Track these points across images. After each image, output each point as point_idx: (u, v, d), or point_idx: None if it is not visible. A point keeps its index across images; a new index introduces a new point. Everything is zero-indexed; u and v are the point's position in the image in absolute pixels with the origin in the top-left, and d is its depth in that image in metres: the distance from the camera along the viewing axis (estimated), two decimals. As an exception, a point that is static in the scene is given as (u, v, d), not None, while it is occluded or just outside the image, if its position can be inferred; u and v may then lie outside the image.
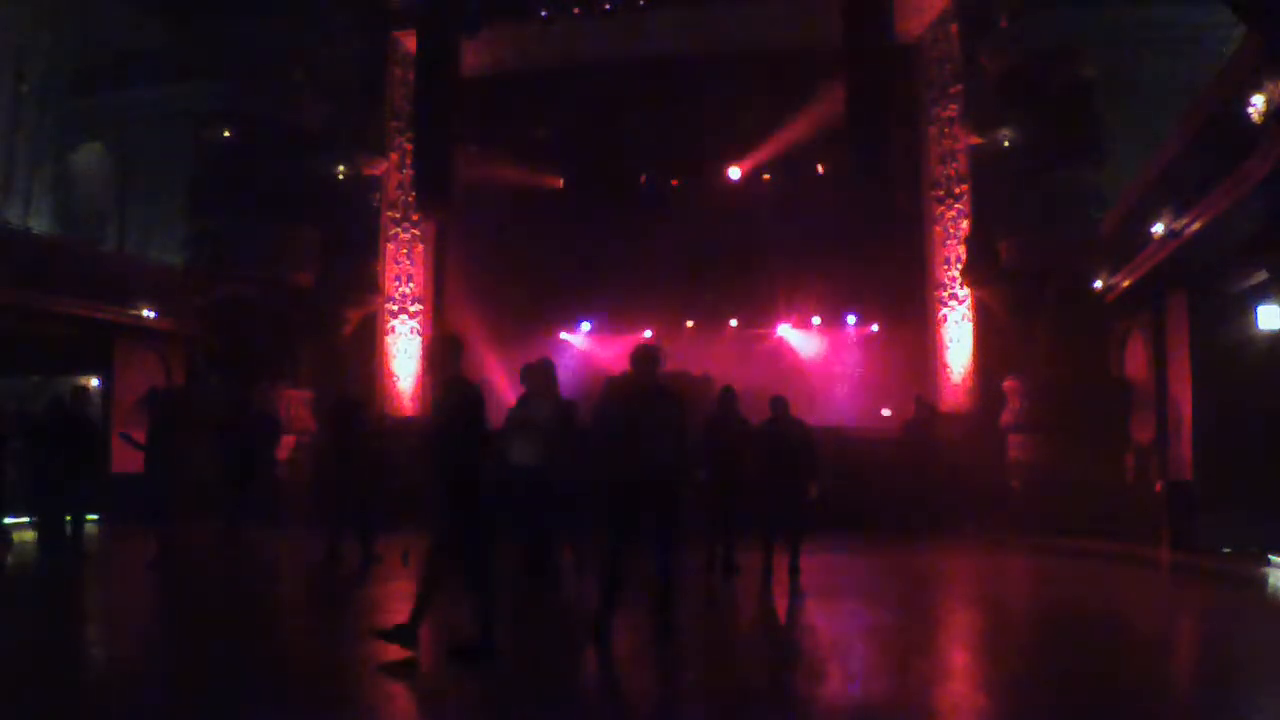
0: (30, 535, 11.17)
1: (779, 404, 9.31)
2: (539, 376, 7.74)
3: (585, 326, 21.52)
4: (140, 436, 10.68)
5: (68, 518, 10.19)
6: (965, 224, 16.42)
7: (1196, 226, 9.72)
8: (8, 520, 11.06)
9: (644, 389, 6.33)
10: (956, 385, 16.58)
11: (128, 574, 10.13)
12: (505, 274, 19.56)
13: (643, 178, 20.35)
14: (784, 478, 8.95)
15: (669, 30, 17.31)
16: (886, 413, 17.91)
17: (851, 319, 20.08)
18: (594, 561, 7.48)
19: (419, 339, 18.46)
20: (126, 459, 12.04)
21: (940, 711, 4.91)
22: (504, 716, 4.84)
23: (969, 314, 16.42)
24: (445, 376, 5.74)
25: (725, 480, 9.26)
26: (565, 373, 9.12)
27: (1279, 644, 6.73)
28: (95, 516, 13.29)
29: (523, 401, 7.81)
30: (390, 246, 18.33)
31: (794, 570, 8.90)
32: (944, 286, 16.85)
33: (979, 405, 15.75)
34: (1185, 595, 9.38)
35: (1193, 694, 5.54)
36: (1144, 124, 13.15)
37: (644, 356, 6.37)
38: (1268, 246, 9.35)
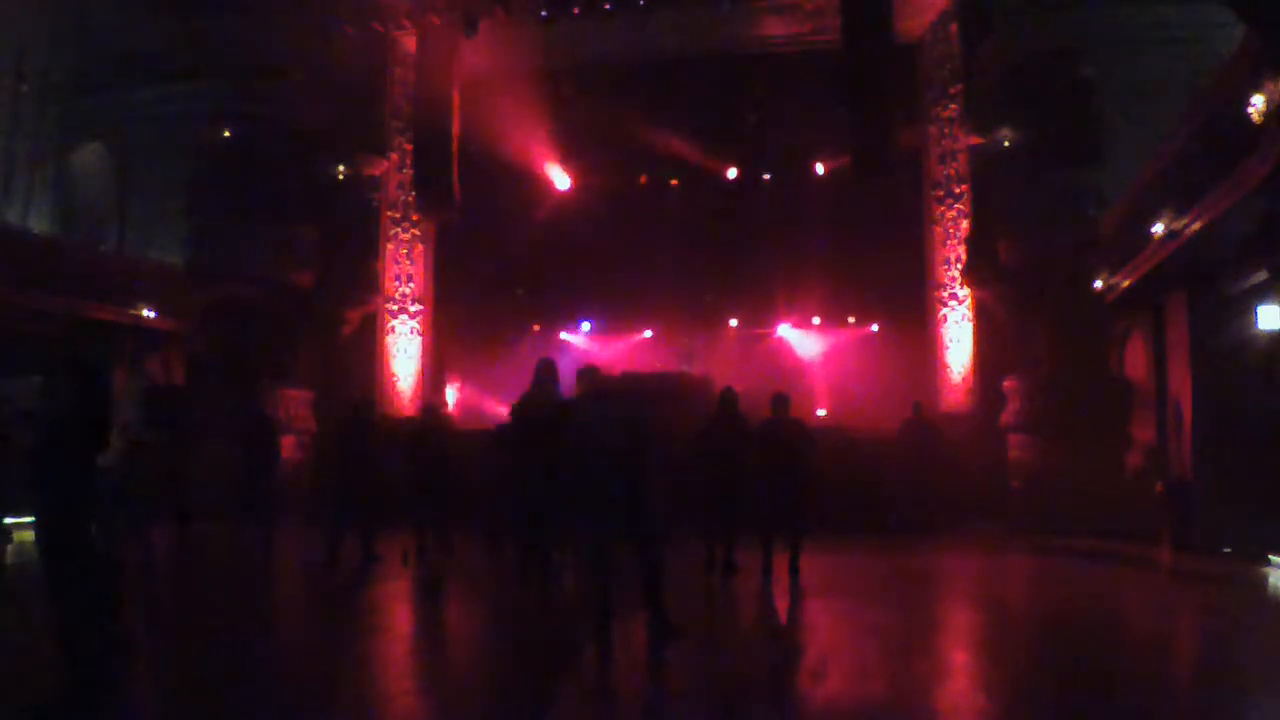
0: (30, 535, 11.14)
1: (779, 404, 9.32)
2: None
3: (585, 326, 21.53)
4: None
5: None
6: (965, 224, 16.41)
7: (1196, 226, 9.71)
8: (8, 520, 11.04)
9: (591, 396, 6.63)
10: (956, 385, 16.57)
11: (127, 573, 10.10)
12: (505, 274, 19.58)
13: (643, 178, 20.35)
14: (784, 477, 8.95)
15: (669, 30, 17.30)
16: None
17: (851, 319, 20.09)
18: (583, 563, 7.47)
19: (419, 339, 18.46)
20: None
21: (940, 711, 4.91)
22: (505, 715, 4.84)
23: (969, 314, 16.42)
24: None
25: (725, 480, 9.27)
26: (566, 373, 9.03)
27: (1279, 644, 6.73)
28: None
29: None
30: (390, 246, 18.32)
31: (794, 570, 8.89)
32: (944, 286, 16.84)
33: (979, 405, 15.74)
34: (1185, 595, 9.36)
35: (1192, 694, 5.54)
36: (1144, 124, 13.11)
37: (583, 375, 6.87)
38: (1268, 246, 9.35)
